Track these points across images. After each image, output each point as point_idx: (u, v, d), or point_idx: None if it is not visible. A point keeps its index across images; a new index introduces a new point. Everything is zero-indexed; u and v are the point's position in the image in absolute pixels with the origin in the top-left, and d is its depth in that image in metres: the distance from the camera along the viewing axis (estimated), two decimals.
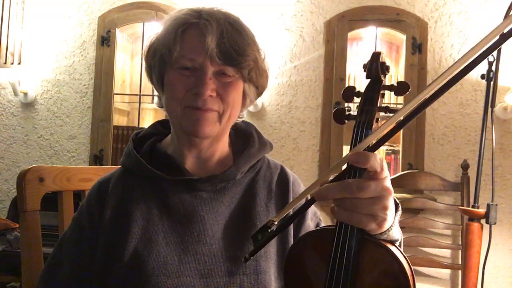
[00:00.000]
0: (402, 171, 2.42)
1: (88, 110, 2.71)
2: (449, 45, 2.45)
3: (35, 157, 2.75)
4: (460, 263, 2.27)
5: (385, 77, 0.64)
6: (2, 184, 2.77)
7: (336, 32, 2.53)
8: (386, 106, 0.62)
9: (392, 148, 2.71)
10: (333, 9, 2.56)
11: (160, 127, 0.94)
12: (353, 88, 0.65)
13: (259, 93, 0.88)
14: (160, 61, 0.80)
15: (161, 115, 0.86)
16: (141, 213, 0.80)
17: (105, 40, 2.67)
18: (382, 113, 0.63)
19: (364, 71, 0.64)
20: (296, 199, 0.61)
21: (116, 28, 2.69)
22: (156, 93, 0.90)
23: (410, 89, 0.61)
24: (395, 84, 0.61)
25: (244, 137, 0.88)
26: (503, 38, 0.43)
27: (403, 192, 2.44)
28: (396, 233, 0.60)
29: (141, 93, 2.78)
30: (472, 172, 2.19)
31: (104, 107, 2.67)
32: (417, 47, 2.46)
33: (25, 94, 2.70)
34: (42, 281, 0.82)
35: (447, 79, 0.46)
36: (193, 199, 0.81)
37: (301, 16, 2.58)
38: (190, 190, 0.82)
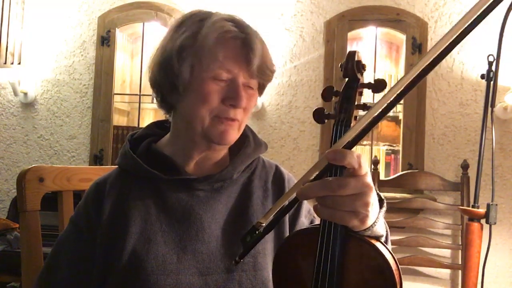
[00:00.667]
0: (402, 171, 2.42)
1: (88, 110, 2.71)
2: None
3: (35, 157, 2.75)
4: (460, 263, 2.27)
5: (362, 75, 0.64)
6: (2, 184, 2.77)
7: (336, 32, 2.53)
8: (364, 103, 0.62)
9: (392, 148, 2.71)
10: (333, 9, 2.56)
11: (155, 128, 0.94)
12: (332, 87, 0.65)
13: None
14: (187, 63, 0.77)
15: (162, 115, 0.86)
16: (139, 213, 0.80)
17: (105, 40, 2.67)
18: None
19: (341, 70, 0.65)
20: (280, 200, 0.61)
21: (116, 28, 2.69)
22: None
23: (387, 86, 0.61)
24: (372, 82, 0.61)
25: (240, 137, 0.88)
26: None
27: (403, 192, 2.44)
28: (381, 229, 0.61)
29: (141, 93, 2.78)
30: (472, 172, 2.19)
31: (104, 107, 2.67)
32: (417, 47, 2.46)
33: (25, 94, 2.70)
34: (40, 283, 0.82)
35: (429, 60, 0.45)
36: (191, 198, 0.82)
37: (301, 16, 2.58)
38: (188, 190, 0.83)
